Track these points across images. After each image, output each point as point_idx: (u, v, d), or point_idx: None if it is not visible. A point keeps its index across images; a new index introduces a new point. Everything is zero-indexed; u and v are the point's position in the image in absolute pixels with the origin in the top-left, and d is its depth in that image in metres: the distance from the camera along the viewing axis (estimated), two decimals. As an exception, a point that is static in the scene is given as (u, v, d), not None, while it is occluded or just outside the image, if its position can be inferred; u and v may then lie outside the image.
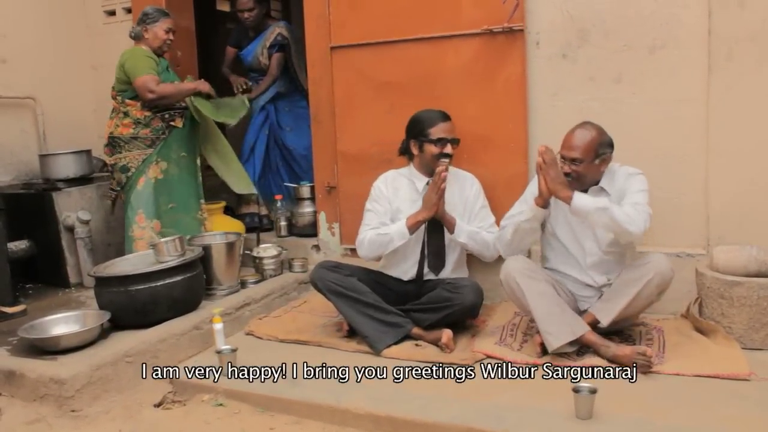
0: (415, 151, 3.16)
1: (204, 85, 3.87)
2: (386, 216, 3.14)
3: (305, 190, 4.29)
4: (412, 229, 3.01)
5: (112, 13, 4.94)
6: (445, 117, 3.13)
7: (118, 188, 3.79)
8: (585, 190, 2.80)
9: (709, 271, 2.89)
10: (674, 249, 3.18)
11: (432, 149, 3.08)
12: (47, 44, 4.67)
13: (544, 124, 3.36)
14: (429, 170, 3.13)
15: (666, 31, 3.12)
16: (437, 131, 3.08)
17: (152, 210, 3.74)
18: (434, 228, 3.12)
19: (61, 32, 4.78)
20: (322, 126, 3.95)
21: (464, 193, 3.18)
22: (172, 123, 3.79)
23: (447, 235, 3.11)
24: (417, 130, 3.14)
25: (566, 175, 2.72)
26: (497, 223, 3.10)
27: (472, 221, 3.14)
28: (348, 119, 3.82)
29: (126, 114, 3.73)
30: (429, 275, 3.15)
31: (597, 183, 2.83)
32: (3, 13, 4.41)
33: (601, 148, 2.75)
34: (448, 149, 3.08)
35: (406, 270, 3.18)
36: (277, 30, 4.68)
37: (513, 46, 3.36)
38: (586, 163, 2.73)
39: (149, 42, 3.79)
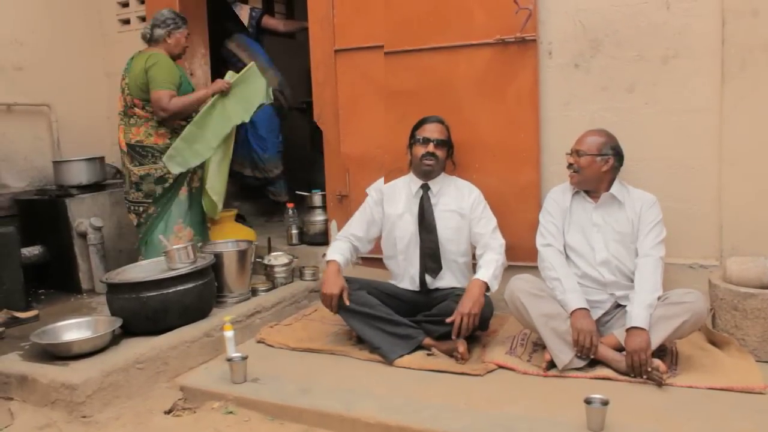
0: (409, 155, 3.24)
1: (217, 85, 3.66)
2: (361, 227, 3.24)
3: (317, 198, 4.30)
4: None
5: (127, 21, 5.02)
6: (433, 120, 3.19)
7: (148, 200, 3.63)
8: (597, 197, 2.87)
9: (722, 282, 2.87)
10: (687, 260, 3.16)
11: (417, 150, 3.15)
12: (62, 52, 4.72)
13: (556, 134, 3.35)
14: (419, 172, 3.18)
15: (679, 41, 3.11)
16: (421, 132, 3.17)
17: (188, 219, 3.70)
18: (426, 229, 3.13)
19: (76, 40, 4.84)
20: (326, 129, 3.96)
21: (462, 203, 3.16)
22: None
23: (442, 238, 3.12)
24: (410, 135, 3.22)
25: (569, 166, 2.84)
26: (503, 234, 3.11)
27: (474, 228, 3.13)
28: (351, 123, 3.84)
29: (161, 123, 3.58)
30: (429, 279, 3.14)
31: (607, 190, 2.87)
32: (19, 21, 4.47)
33: (605, 148, 2.85)
34: (430, 148, 3.12)
35: (413, 279, 3.18)
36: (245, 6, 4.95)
37: (525, 55, 3.36)
38: (588, 157, 2.83)
39: (170, 48, 3.62)
